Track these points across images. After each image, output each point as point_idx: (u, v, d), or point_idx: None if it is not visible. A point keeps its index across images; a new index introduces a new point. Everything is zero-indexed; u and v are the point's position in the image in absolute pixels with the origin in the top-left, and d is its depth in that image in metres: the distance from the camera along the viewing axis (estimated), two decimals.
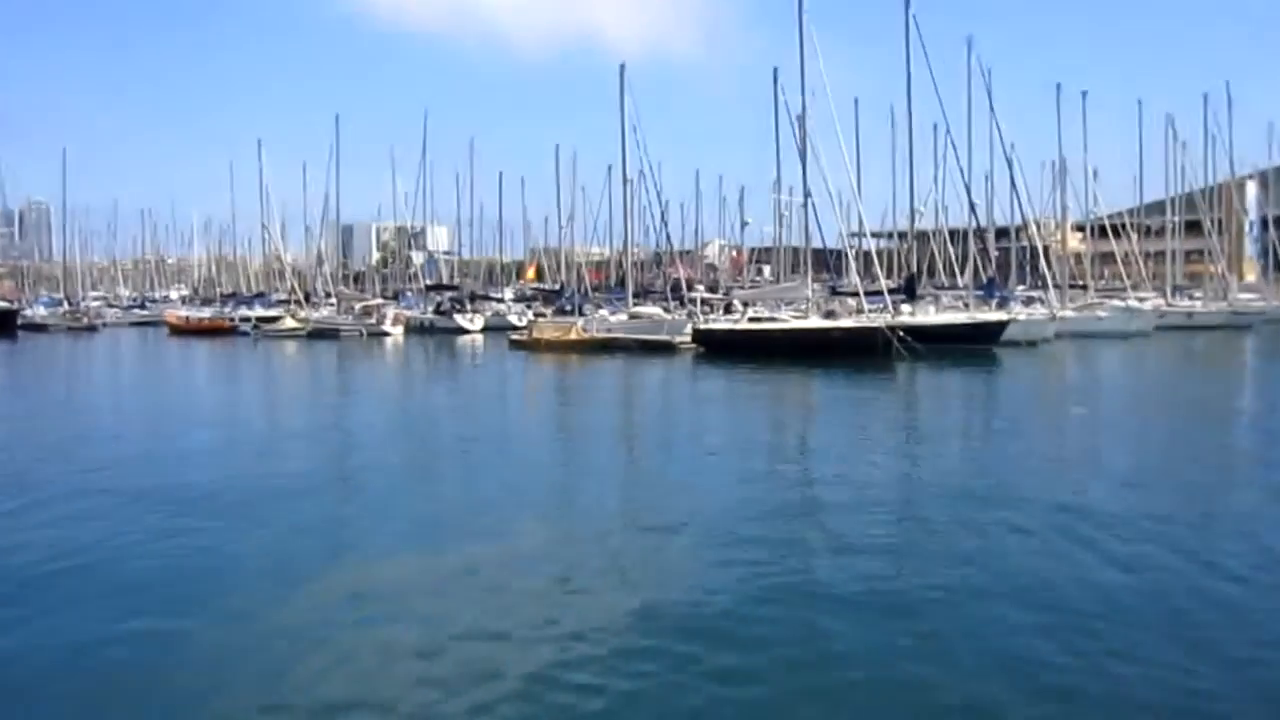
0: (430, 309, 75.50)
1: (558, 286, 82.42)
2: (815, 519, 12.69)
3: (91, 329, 79.87)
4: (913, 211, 54.85)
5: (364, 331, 65.20)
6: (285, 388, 35.99)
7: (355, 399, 30.59)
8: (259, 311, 77.97)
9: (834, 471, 16.01)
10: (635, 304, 58.55)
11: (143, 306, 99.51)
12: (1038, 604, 9.22)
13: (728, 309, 58.75)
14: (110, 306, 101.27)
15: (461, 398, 30.76)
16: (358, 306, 73.12)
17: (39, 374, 42.38)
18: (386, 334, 65.22)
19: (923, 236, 65.64)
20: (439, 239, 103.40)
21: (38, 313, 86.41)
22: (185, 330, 72.56)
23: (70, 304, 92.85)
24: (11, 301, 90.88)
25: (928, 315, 48.75)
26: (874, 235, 64.15)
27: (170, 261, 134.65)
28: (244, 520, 12.84)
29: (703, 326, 47.64)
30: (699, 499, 14.11)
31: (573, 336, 50.03)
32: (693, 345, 46.21)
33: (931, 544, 11.42)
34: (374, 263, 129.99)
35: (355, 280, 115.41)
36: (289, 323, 69.05)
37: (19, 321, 77.81)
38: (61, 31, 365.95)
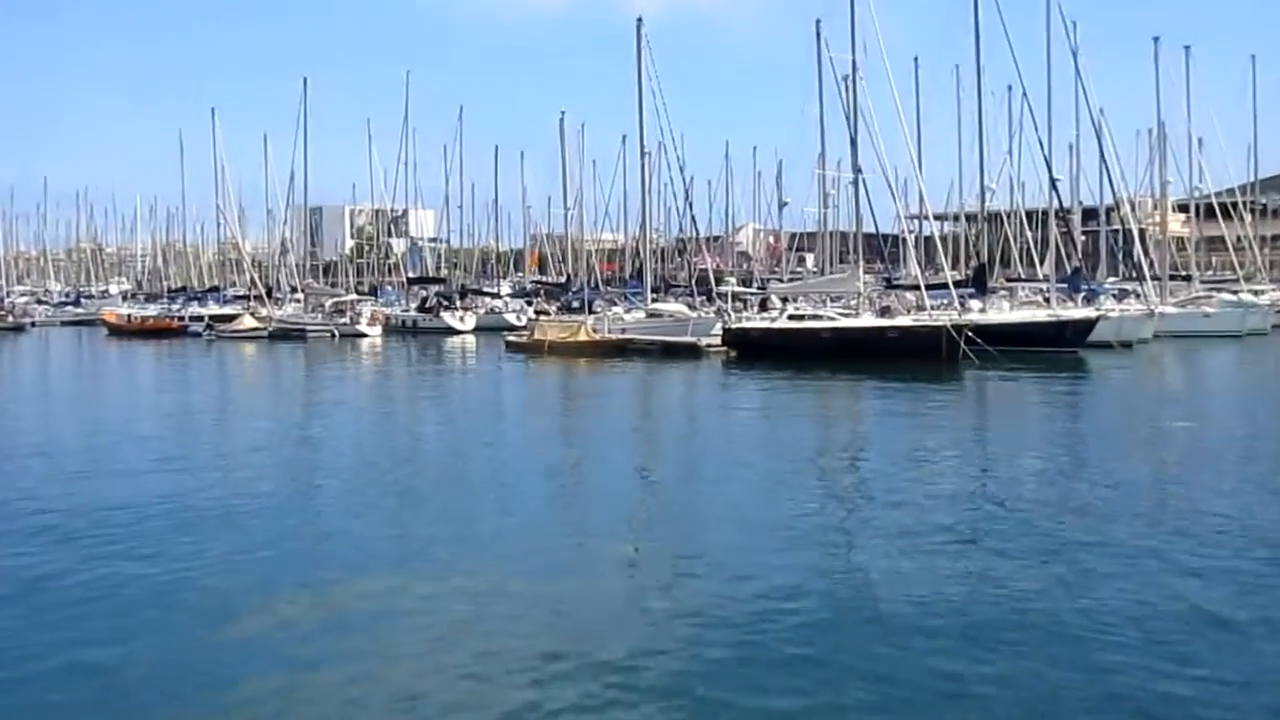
0: (413, 305, 75.67)
1: (563, 279, 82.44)
2: (876, 574, 12.37)
3: (18, 329, 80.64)
4: (983, 190, 54.63)
5: (336, 332, 65.38)
6: (241, 398, 35.95)
7: (322, 413, 30.42)
8: (213, 309, 78.46)
9: (890, 501, 15.71)
10: (654, 300, 58.45)
11: (77, 303, 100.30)
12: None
13: (763, 305, 58.64)
14: (40, 303, 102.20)
15: (448, 411, 30.62)
16: (328, 303, 73.40)
17: None
18: (362, 335, 65.36)
19: (995, 219, 65.38)
20: (424, 224, 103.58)
21: None
22: (126, 331, 73.02)
23: None
24: None
25: (1001, 312, 48.47)
26: (937, 218, 64.04)
27: (109, 251, 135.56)
28: (173, 556, 12.66)
29: (734, 326, 47.48)
30: (732, 538, 13.86)
31: (581, 338, 49.94)
32: (722, 348, 46.02)
33: (1017, 602, 11.12)
34: (347, 252, 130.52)
35: (326, 272, 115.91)
36: (248, 322, 69.31)
37: None
38: None
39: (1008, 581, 11.42)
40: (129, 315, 78.90)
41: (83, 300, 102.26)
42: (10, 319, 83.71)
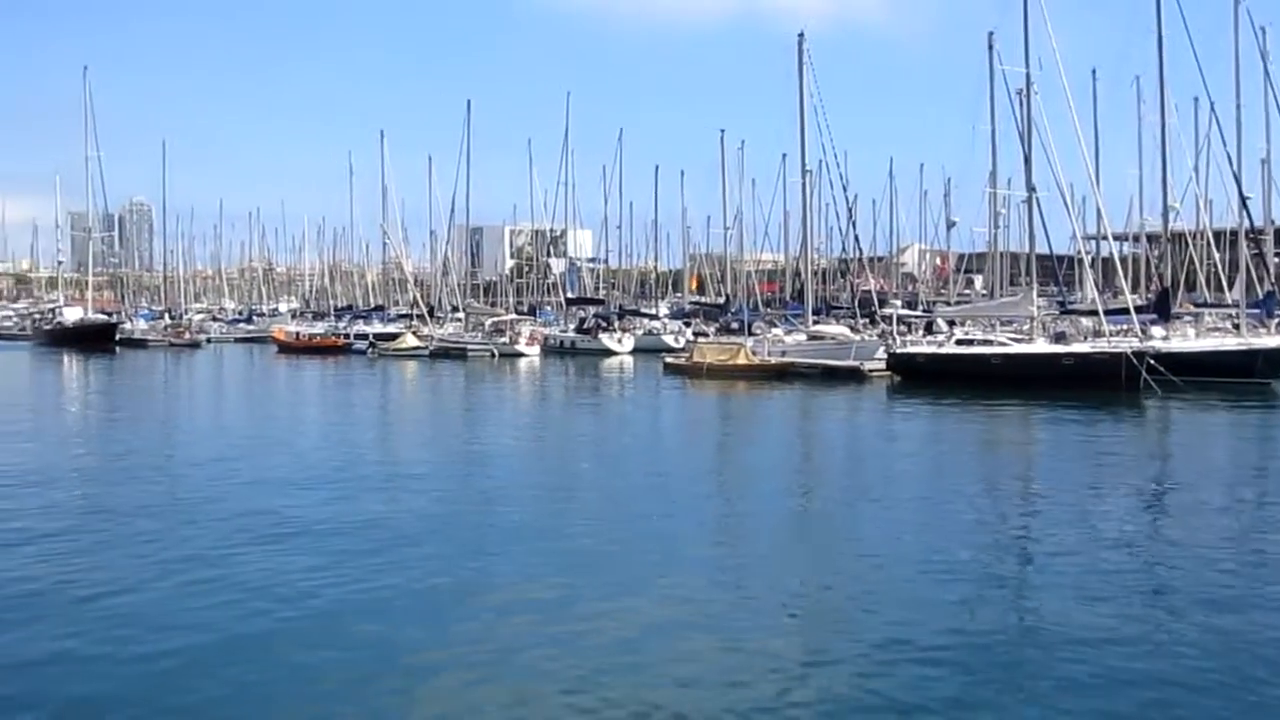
0: (571, 326, 76.41)
1: (722, 300, 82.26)
2: (1047, 628, 11.71)
3: (194, 345, 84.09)
4: (1166, 208, 52.34)
5: (495, 352, 66.29)
6: (404, 417, 36.52)
7: (483, 433, 30.70)
8: (376, 328, 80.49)
9: (1067, 544, 14.95)
10: (816, 322, 57.68)
11: (249, 320, 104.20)
12: None
13: (929, 329, 57.34)
14: (214, 320, 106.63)
15: (609, 435, 30.53)
16: (488, 323, 74.59)
17: (140, 396, 44.23)
18: (521, 355, 66.17)
19: (1179, 239, 62.55)
20: (582, 244, 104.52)
21: (138, 326, 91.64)
22: (294, 348, 75.44)
23: (172, 317, 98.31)
24: (111, 314, 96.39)
25: (1185, 339, 46.32)
26: (1116, 238, 61.57)
27: (279, 270, 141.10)
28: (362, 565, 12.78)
29: (899, 350, 46.52)
30: (901, 581, 13.34)
31: (740, 360, 49.56)
32: (886, 373, 45.16)
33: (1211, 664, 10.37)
34: (507, 272, 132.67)
35: (486, 292, 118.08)
36: (410, 341, 70.79)
37: (118, 336, 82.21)
38: (161, 21, 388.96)
39: (1186, 636, 10.67)
40: (297, 333, 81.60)
41: (254, 318, 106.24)
42: (187, 336, 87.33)
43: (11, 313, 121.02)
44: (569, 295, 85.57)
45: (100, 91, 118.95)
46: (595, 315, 77.28)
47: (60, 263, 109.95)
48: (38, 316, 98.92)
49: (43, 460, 23.47)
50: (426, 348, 68.79)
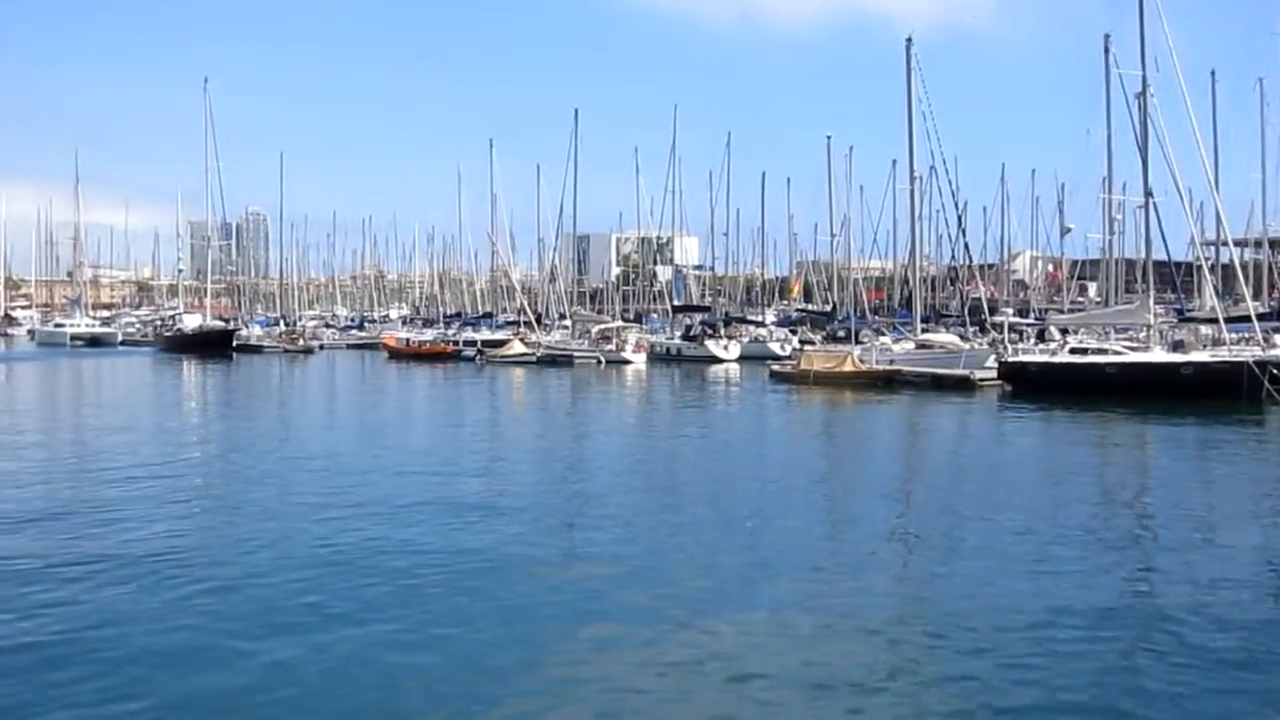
0: (678, 333, 76.54)
1: (829, 308, 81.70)
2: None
3: (308, 351, 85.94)
4: None
5: (602, 359, 66.71)
6: (513, 424, 36.88)
7: (591, 440, 31.03)
8: (484, 334, 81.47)
9: (1206, 574, 14.69)
10: (924, 329, 57.09)
11: (360, 327, 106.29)
12: None
13: (1041, 336, 56.38)
14: (327, 327, 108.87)
15: (717, 443, 30.55)
16: (595, 330, 75.04)
17: (257, 400, 45.61)
18: (627, 362, 66.47)
19: None
20: (689, 251, 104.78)
21: (253, 332, 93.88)
22: (404, 354, 76.75)
23: (286, 324, 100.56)
24: (228, 320, 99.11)
25: None
26: (1236, 244, 59.93)
27: (390, 278, 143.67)
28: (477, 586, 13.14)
29: (1010, 358, 45.83)
30: (1023, 611, 13.25)
31: (847, 368, 49.27)
32: (997, 382, 44.53)
33: None
34: (613, 279, 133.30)
35: (592, 299, 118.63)
36: (517, 347, 71.48)
37: (234, 342, 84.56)
38: (277, 35, 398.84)
39: None
40: (407, 339, 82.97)
41: (365, 324, 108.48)
42: (301, 342, 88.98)
43: (135, 319, 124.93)
44: (675, 302, 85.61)
45: (220, 104, 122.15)
46: (701, 322, 77.37)
47: (180, 270, 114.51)
48: (159, 323, 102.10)
49: (165, 456, 24.31)
50: (533, 354, 69.45)
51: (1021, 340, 55.14)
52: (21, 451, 26.08)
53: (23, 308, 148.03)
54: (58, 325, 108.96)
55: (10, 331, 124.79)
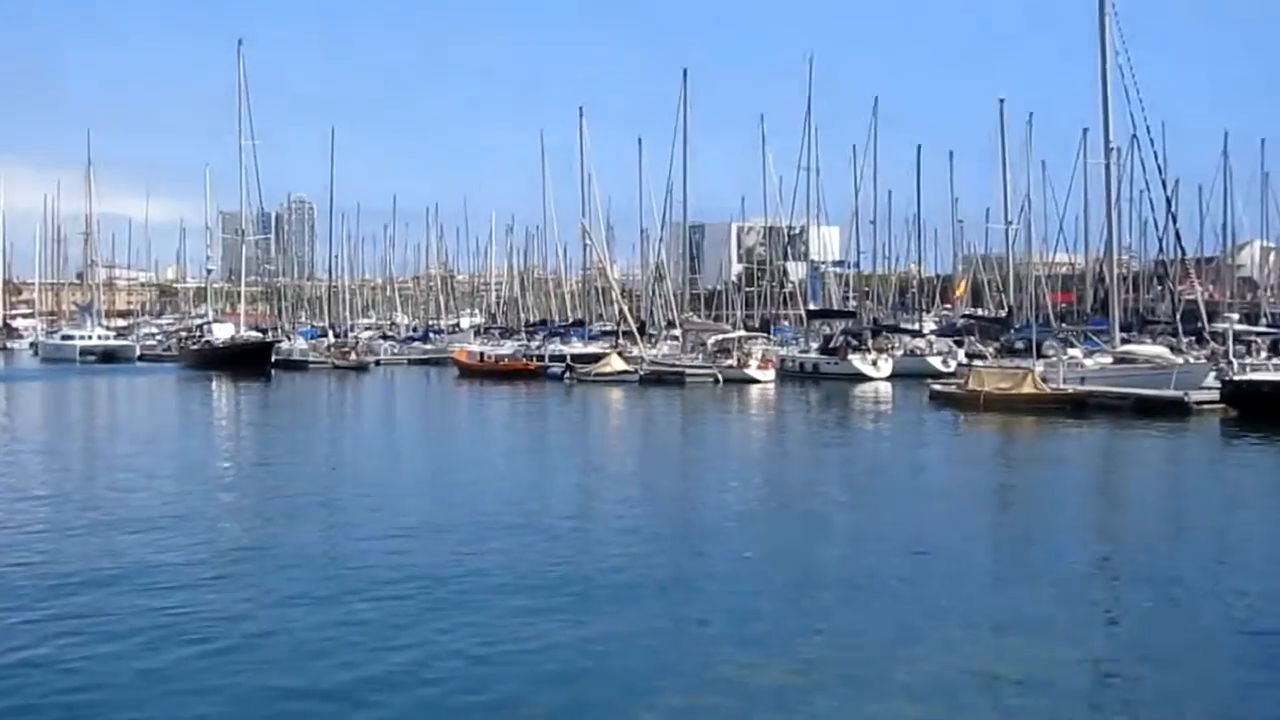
0: (814, 345, 76.33)
1: (1003, 314, 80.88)
2: None
3: (361, 368, 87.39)
4: None
5: (720, 377, 66.62)
6: (608, 463, 36.13)
7: (708, 484, 30.53)
8: (575, 347, 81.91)
9: None
10: (1125, 340, 56.22)
11: (425, 339, 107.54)
12: None
13: (1276, 349, 55.20)
14: (385, 338, 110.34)
15: (860, 483, 30.28)
16: (711, 342, 75.03)
17: (305, 432, 46.02)
18: (752, 381, 66.27)
19: None
20: (828, 244, 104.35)
21: (296, 346, 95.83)
22: (478, 371, 77.57)
23: (336, 335, 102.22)
24: (266, 331, 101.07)
25: None
26: None
27: (461, 279, 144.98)
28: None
29: (1236, 376, 44.95)
30: None
31: (1027, 389, 48.66)
32: (1219, 406, 43.66)
33: None
34: (734, 279, 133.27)
35: (708, 304, 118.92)
36: (615, 363, 71.46)
37: (273, 357, 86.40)
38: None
39: None
40: (481, 354, 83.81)
41: (431, 335, 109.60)
42: (354, 357, 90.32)
43: (156, 330, 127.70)
44: (811, 307, 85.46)
45: (257, 71, 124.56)
46: (844, 332, 76.98)
47: (209, 271, 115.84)
48: (184, 335, 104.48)
49: (191, 508, 24.84)
50: (635, 372, 69.51)
51: (1250, 354, 54.03)
52: (27, 512, 24.54)
53: (24, 316, 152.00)
54: (65, 337, 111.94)
55: (10, 345, 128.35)
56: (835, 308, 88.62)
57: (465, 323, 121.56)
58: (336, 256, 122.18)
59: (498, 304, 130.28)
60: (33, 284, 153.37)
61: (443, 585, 17.03)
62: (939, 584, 17.56)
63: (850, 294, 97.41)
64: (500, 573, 18.01)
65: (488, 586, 17.08)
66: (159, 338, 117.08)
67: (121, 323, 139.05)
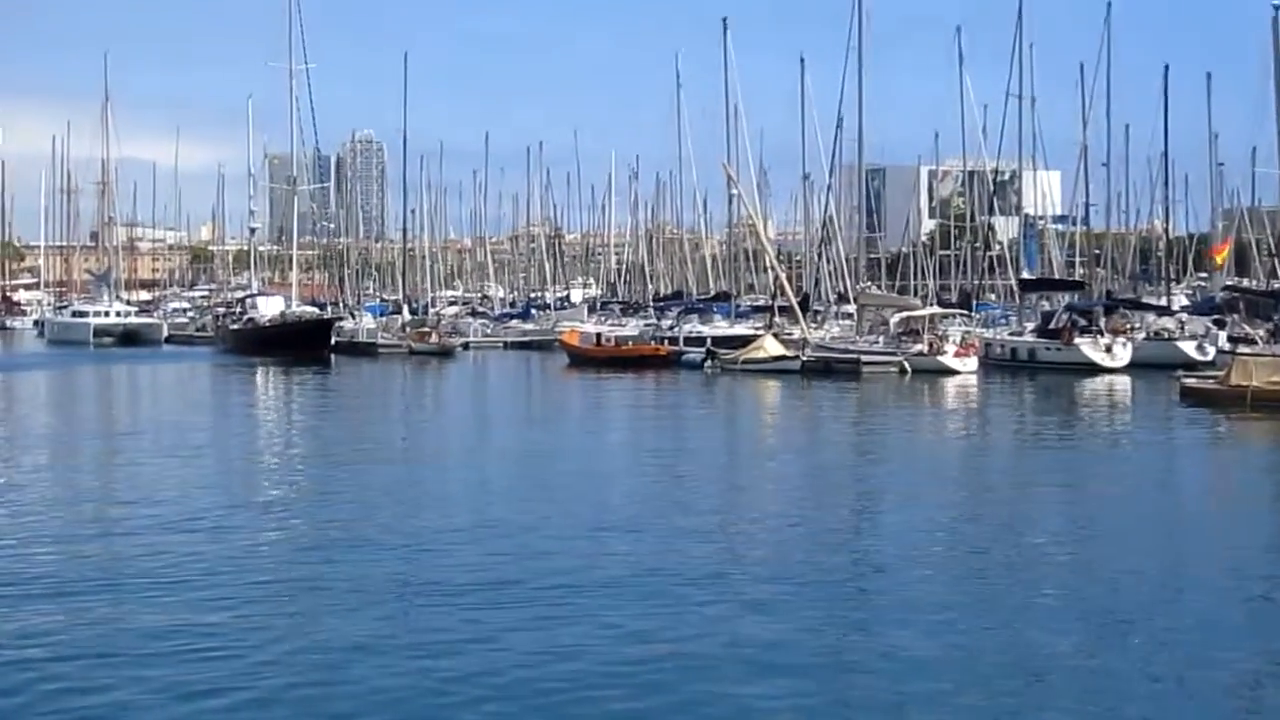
0: (1029, 326, 75.53)
1: (1277, 285, 79.40)
2: None
3: (444, 352, 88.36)
4: None
5: (906, 366, 66.13)
6: (770, 491, 33.15)
7: (903, 521, 29.26)
8: (718, 327, 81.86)
9: None
10: None
11: (525, 315, 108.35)
12: None
13: None
14: (474, 315, 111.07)
15: (1095, 514, 29.32)
16: (894, 320, 74.44)
17: (380, 437, 45.02)
18: (948, 371, 65.70)
19: None
20: (1046, 193, 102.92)
21: (363, 325, 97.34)
22: (593, 358, 77.78)
23: (412, 310, 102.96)
24: (324, 306, 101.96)
25: None
26: None
27: (570, 238, 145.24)
28: None
29: None
30: None
31: None
32: None
33: None
34: (924, 239, 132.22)
35: (890, 271, 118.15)
36: (770, 348, 71.05)
37: (334, 338, 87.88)
38: None
39: None
40: (597, 335, 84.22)
41: (533, 312, 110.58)
42: (435, 339, 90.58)
43: (187, 304, 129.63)
44: (1025, 276, 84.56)
45: None
46: (1068, 308, 76.11)
47: (253, 230, 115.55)
48: (222, 310, 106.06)
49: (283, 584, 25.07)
50: (796, 358, 69.29)
51: None
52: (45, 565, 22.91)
53: (28, 288, 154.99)
54: (77, 314, 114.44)
55: (11, 323, 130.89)
56: (1056, 277, 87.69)
57: (577, 296, 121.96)
58: (413, 211, 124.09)
59: (618, 272, 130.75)
60: (37, 247, 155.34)
61: None
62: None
63: (1076, 259, 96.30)
64: None
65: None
66: (190, 314, 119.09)
67: (145, 296, 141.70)
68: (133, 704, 14.72)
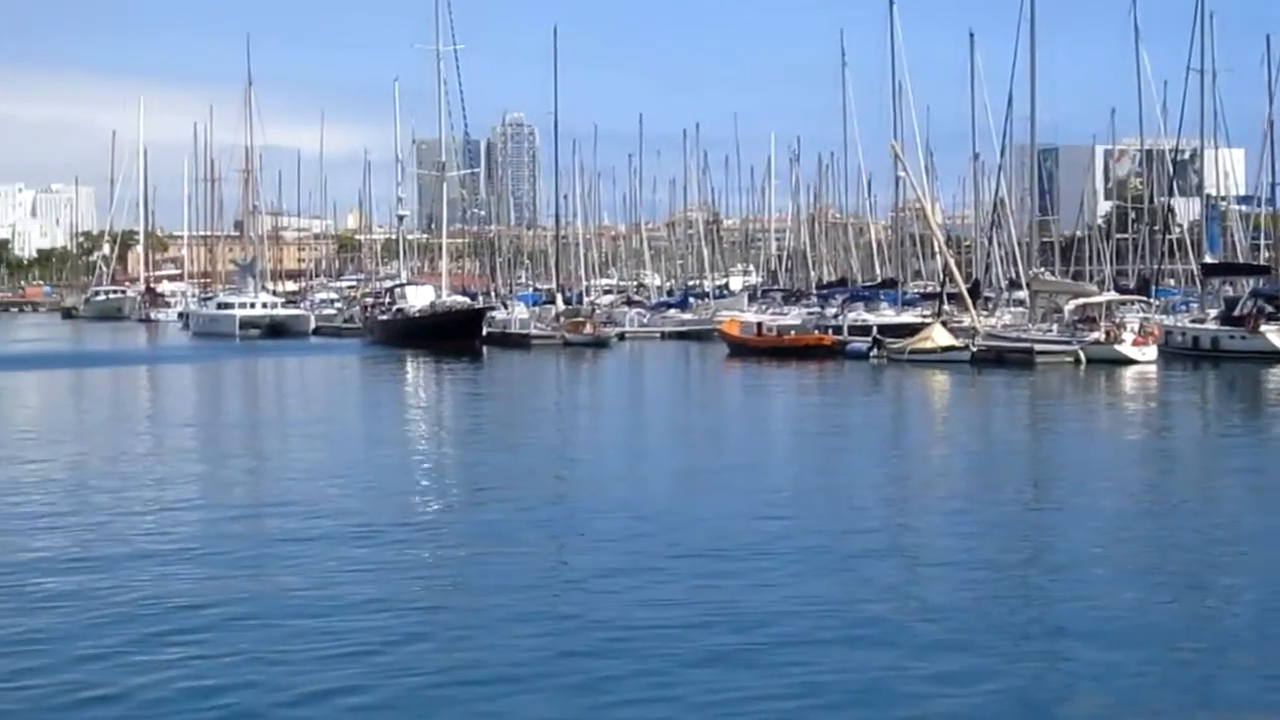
0: (1213, 313, 74.57)
1: None
2: None
3: (599, 343, 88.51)
4: None
5: (1082, 356, 65.62)
6: (952, 498, 32.30)
7: (1125, 539, 28.30)
8: (885, 316, 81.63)
9: None
10: None
11: (684, 304, 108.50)
12: None
13: None
14: (630, 304, 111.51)
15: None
16: (1069, 307, 73.79)
17: (540, 433, 44.05)
18: (1127, 361, 65.11)
19: None
20: (1230, 171, 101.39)
21: (515, 315, 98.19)
22: (754, 348, 78.05)
23: (566, 300, 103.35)
24: (475, 296, 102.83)
25: None
26: None
27: (729, 224, 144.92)
28: None
29: None
30: None
31: None
32: None
33: None
34: (1100, 222, 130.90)
35: (1064, 256, 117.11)
36: (939, 337, 70.80)
37: (485, 329, 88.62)
38: None
39: None
40: (758, 325, 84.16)
41: (692, 301, 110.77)
42: (590, 329, 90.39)
43: (334, 295, 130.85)
44: (1208, 260, 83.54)
45: None
46: (1253, 294, 75.04)
47: (401, 218, 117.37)
48: (370, 301, 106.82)
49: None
50: (966, 348, 69.12)
51: None
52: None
53: (171, 279, 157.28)
54: (222, 306, 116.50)
55: (156, 316, 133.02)
56: (1241, 261, 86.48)
57: (736, 283, 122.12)
58: (566, 197, 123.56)
59: (779, 258, 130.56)
60: (181, 238, 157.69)
61: None
62: None
63: (1262, 242, 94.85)
64: None
65: None
66: (338, 305, 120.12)
67: (291, 286, 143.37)
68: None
